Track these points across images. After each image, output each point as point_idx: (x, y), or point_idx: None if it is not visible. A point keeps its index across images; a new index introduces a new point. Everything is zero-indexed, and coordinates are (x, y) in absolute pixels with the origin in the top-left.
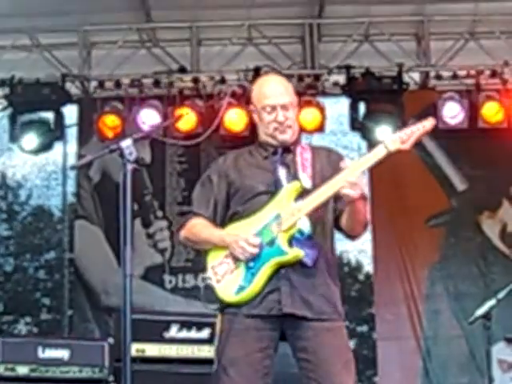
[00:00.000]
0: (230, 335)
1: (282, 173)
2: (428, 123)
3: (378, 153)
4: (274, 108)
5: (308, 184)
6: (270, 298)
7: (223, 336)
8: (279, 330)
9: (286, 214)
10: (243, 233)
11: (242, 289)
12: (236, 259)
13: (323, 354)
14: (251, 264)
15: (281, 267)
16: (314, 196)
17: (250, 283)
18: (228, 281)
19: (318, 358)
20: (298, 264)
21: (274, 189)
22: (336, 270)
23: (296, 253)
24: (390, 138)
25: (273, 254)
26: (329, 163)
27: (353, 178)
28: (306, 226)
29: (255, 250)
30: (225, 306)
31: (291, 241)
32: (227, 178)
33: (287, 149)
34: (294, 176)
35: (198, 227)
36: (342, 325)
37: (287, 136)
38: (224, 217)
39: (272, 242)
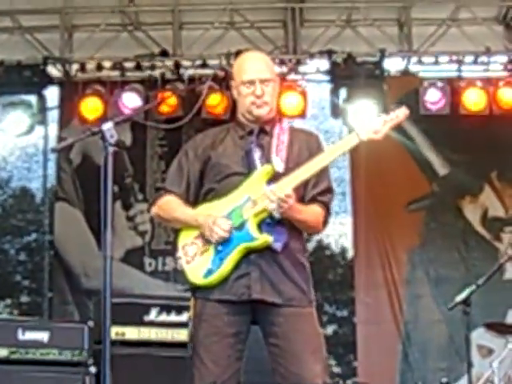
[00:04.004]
0: (202, 320)
1: (256, 154)
2: (401, 113)
3: (350, 141)
4: (252, 82)
5: (280, 168)
6: (239, 283)
7: (196, 321)
8: (251, 314)
9: (258, 197)
10: (215, 213)
11: (210, 272)
12: (206, 241)
13: (292, 340)
14: (220, 248)
15: (250, 252)
16: (287, 180)
17: (219, 267)
18: (197, 263)
19: (287, 344)
20: (267, 249)
21: (247, 170)
22: (305, 254)
23: (265, 239)
24: (363, 127)
25: (242, 239)
26: (307, 147)
27: (281, 194)
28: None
29: (226, 234)
30: (195, 289)
31: (261, 225)
32: (203, 154)
33: (263, 129)
34: (267, 158)
35: (171, 205)
36: (312, 311)
37: (263, 111)
38: (197, 194)
39: (241, 226)
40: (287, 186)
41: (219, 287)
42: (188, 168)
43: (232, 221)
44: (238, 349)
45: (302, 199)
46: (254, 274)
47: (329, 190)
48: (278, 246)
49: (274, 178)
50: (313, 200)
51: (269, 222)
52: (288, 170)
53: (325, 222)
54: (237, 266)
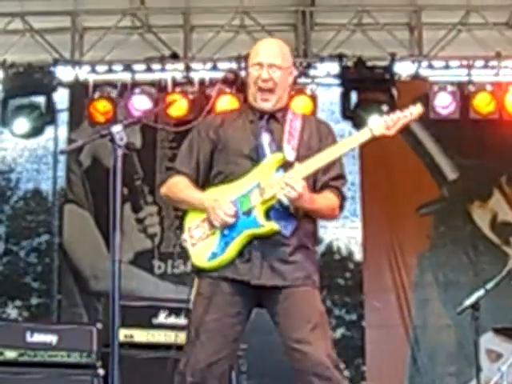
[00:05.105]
0: (203, 297)
1: (265, 139)
2: (416, 110)
3: (363, 136)
4: (260, 65)
5: (291, 156)
6: (241, 268)
7: (198, 298)
8: (254, 299)
9: (267, 184)
10: (223, 198)
11: (214, 256)
12: (212, 225)
13: (291, 316)
14: (226, 232)
15: (255, 238)
16: (297, 170)
17: (223, 252)
18: (202, 246)
19: (288, 320)
20: (272, 234)
21: (256, 155)
22: (314, 240)
23: (271, 226)
24: (376, 122)
25: (248, 225)
26: (317, 134)
27: (291, 182)
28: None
29: (231, 220)
30: (199, 271)
31: (269, 212)
32: (214, 135)
33: (274, 116)
34: (278, 145)
35: (179, 186)
36: (314, 291)
37: (268, 104)
38: (207, 176)
39: (249, 212)
40: (298, 176)
41: (223, 267)
42: (198, 148)
43: (240, 206)
44: (236, 330)
45: (313, 186)
46: (255, 259)
47: (341, 176)
48: (286, 231)
49: (285, 165)
50: (325, 186)
51: (277, 209)
52: (299, 157)
53: (341, 207)
54: (241, 252)
